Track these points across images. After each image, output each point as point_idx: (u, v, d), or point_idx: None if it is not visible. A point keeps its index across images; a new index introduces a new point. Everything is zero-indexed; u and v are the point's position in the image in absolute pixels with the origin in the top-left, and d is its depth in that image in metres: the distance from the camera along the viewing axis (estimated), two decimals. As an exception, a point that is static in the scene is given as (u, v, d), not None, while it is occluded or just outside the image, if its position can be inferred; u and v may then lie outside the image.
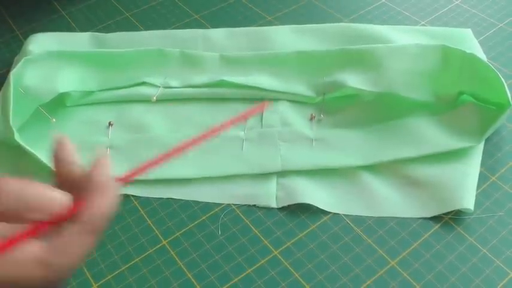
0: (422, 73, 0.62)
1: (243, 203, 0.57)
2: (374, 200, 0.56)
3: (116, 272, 0.53)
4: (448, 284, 0.50)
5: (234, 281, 0.51)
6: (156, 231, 0.56)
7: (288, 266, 0.52)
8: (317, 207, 0.56)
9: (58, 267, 0.31)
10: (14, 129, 0.59)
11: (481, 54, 0.67)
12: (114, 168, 0.60)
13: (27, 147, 0.58)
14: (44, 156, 0.59)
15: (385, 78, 0.63)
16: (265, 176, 0.59)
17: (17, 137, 0.59)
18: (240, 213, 0.57)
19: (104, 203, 0.33)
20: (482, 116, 0.60)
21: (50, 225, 0.31)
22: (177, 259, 0.53)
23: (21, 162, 0.61)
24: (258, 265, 0.52)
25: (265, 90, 0.65)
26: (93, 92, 0.67)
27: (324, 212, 0.56)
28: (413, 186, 0.57)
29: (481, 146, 0.59)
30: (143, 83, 0.67)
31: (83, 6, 0.83)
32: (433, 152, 0.58)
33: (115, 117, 0.65)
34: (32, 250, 0.31)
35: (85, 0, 0.84)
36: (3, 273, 0.30)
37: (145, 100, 0.67)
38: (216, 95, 0.67)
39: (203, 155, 0.61)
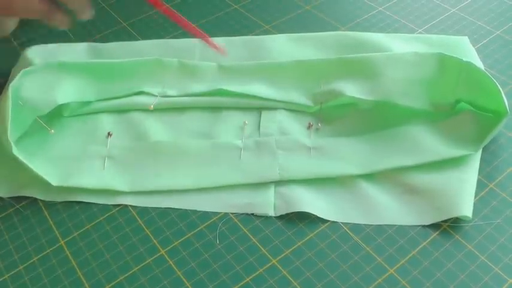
0: (420, 81, 0.62)
1: (241, 212, 0.57)
2: (372, 208, 0.56)
3: (114, 282, 0.53)
4: (446, 291, 0.50)
5: (233, 290, 0.52)
6: (154, 241, 0.56)
7: (287, 274, 0.52)
8: (315, 216, 0.56)
9: None
10: (11, 142, 0.58)
11: (478, 61, 0.68)
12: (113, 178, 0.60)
13: (25, 161, 0.58)
14: (41, 168, 0.59)
15: (383, 87, 0.63)
16: (263, 184, 0.59)
17: (14, 150, 0.58)
18: (238, 222, 0.57)
19: None
20: (480, 123, 0.60)
21: None
22: (175, 268, 0.53)
23: (20, 174, 0.60)
24: (256, 274, 0.52)
25: (263, 99, 0.66)
26: (90, 101, 0.67)
27: (322, 220, 0.56)
28: (412, 194, 0.57)
29: (479, 153, 0.59)
30: (141, 93, 0.67)
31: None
32: (431, 160, 0.58)
33: (113, 126, 0.65)
34: None
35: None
36: None
37: (143, 109, 0.67)
38: (214, 103, 0.67)
39: (201, 165, 0.61)
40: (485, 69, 0.66)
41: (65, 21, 0.65)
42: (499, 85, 0.59)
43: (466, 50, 0.69)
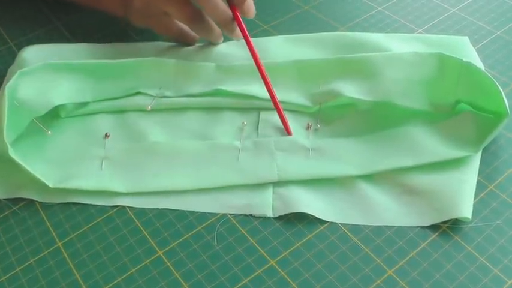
0: (419, 81, 0.62)
1: (239, 213, 0.57)
2: (371, 209, 0.56)
3: (112, 283, 0.52)
4: (446, 293, 0.50)
5: (231, 291, 0.51)
6: (152, 242, 0.55)
7: (285, 275, 0.52)
8: (314, 217, 0.56)
9: None
10: (8, 143, 0.58)
11: (478, 62, 0.67)
12: (111, 180, 0.60)
13: (22, 163, 0.58)
14: (38, 169, 0.59)
15: (382, 87, 0.62)
16: (261, 185, 0.59)
17: (11, 152, 0.58)
18: (236, 223, 0.56)
19: None
20: (480, 124, 0.60)
21: None
22: (173, 270, 0.53)
23: (17, 175, 0.60)
24: (254, 275, 0.52)
25: (262, 99, 0.65)
26: (88, 102, 0.67)
27: (321, 221, 0.56)
28: (411, 195, 0.57)
29: (479, 154, 0.59)
30: (138, 93, 0.67)
31: (78, 17, 0.83)
32: (430, 161, 0.58)
33: (110, 127, 0.65)
34: None
35: (80, 11, 0.83)
36: None
37: (140, 110, 0.66)
38: (212, 104, 0.66)
39: (199, 166, 0.60)
40: (486, 70, 0.66)
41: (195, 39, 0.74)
42: (499, 86, 0.58)
43: (466, 50, 0.69)
